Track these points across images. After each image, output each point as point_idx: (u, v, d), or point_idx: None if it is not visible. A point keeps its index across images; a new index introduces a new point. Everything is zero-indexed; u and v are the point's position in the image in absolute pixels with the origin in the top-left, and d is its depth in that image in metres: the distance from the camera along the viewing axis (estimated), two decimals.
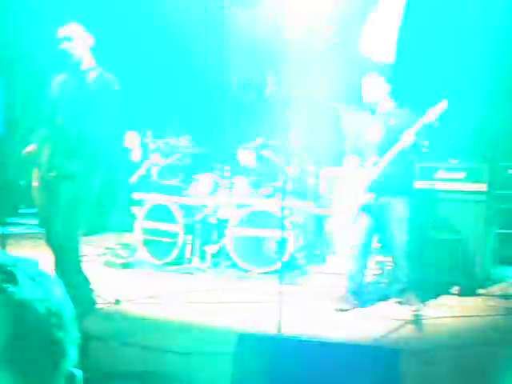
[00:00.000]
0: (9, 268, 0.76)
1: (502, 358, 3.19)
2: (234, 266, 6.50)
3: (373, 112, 5.10)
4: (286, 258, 6.28)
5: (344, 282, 5.18)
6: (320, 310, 4.87)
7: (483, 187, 6.14)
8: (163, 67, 9.77)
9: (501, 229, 7.73)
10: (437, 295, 5.69)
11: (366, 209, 4.92)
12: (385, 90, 4.98)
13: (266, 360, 2.60)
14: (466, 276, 6.12)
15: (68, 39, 3.87)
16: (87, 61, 4.01)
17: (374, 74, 5.02)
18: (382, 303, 5.27)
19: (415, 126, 4.70)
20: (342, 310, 4.92)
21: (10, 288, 0.74)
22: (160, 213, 6.68)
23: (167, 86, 9.60)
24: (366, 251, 5.05)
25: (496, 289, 6.19)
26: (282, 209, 6.48)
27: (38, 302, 0.75)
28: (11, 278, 0.75)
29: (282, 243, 6.25)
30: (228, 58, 10.63)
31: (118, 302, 4.72)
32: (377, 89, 4.97)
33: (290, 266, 6.27)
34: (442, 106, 4.67)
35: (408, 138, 4.68)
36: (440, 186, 6.34)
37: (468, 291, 5.96)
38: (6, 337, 0.72)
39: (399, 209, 4.93)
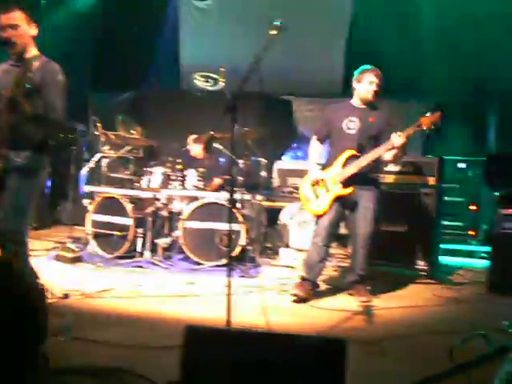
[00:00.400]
0: None
1: (448, 347, 3.29)
2: (185, 259, 6.49)
3: (354, 106, 5.10)
4: (237, 250, 6.31)
5: (301, 271, 5.19)
6: (271, 302, 4.89)
7: (432, 180, 6.27)
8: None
9: (448, 221, 7.95)
10: (386, 286, 5.79)
11: (335, 200, 4.94)
12: (377, 87, 4.98)
13: (216, 352, 2.60)
14: (414, 267, 6.26)
15: (12, 27, 3.77)
16: (31, 49, 3.91)
17: (373, 71, 4.99)
18: (334, 294, 5.32)
19: (408, 131, 4.73)
20: (297, 297, 4.93)
21: None
22: (111, 206, 6.61)
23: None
24: (328, 242, 5.04)
25: (443, 279, 6.34)
26: (234, 201, 6.52)
27: None
28: None
29: (233, 236, 6.28)
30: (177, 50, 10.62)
31: (66, 296, 4.66)
32: (372, 85, 4.96)
33: (241, 259, 6.29)
34: (436, 117, 4.72)
35: (398, 141, 4.70)
36: (390, 178, 6.47)
37: (416, 281, 6.10)
38: None
39: (366, 200, 4.97)
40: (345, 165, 4.94)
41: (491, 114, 9.37)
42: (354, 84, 5.09)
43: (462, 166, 8.33)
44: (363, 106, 5.08)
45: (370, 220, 4.98)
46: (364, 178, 4.95)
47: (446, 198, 7.66)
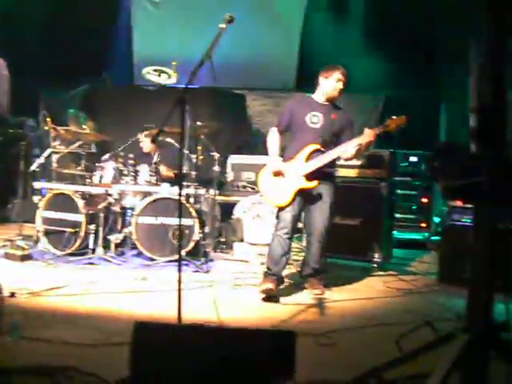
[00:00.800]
0: None
1: (399, 337, 3.33)
2: (138, 254, 6.43)
3: (317, 102, 5.08)
4: (191, 245, 6.28)
5: (264, 265, 5.14)
6: (224, 296, 4.88)
7: (383, 173, 6.35)
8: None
9: (401, 213, 8.07)
10: (340, 279, 5.85)
11: (297, 193, 4.90)
12: (343, 86, 5.01)
13: (165, 348, 2.59)
14: (367, 259, 6.33)
15: None
16: None
17: (341, 69, 5.01)
18: (287, 287, 5.34)
19: (376, 130, 4.86)
20: (267, 293, 4.84)
21: None
22: (62, 202, 6.50)
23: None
24: (292, 235, 4.99)
25: (396, 271, 6.43)
26: (187, 196, 6.49)
27: None
28: None
29: (186, 231, 6.25)
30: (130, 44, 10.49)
31: (13, 295, 4.55)
32: (339, 83, 4.99)
33: (195, 254, 6.27)
34: (403, 120, 4.87)
35: (365, 140, 4.82)
36: (343, 172, 6.52)
37: (369, 274, 6.18)
38: None
39: (324, 195, 4.98)
40: (308, 159, 4.91)
41: (443, 108, 9.55)
42: (321, 80, 5.06)
43: (413, 159, 8.44)
44: (326, 103, 5.07)
45: (327, 214, 5.00)
46: (322, 173, 4.93)
47: (399, 191, 7.78)
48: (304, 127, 4.99)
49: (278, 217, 5.03)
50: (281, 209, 4.98)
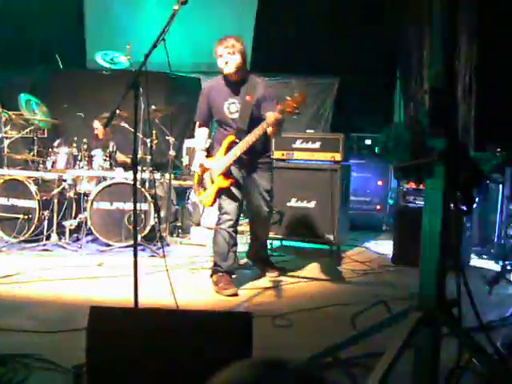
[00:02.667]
0: None
1: (354, 316, 3.39)
2: (94, 240, 6.37)
3: (229, 84, 4.74)
4: (147, 230, 6.25)
5: (219, 263, 4.78)
6: (181, 281, 4.88)
7: (338, 156, 6.41)
8: None
9: (356, 196, 8.16)
10: (295, 261, 5.91)
11: (217, 194, 4.72)
12: (228, 58, 4.58)
13: (122, 332, 2.57)
14: (322, 241, 6.40)
15: None
16: None
17: (221, 42, 4.60)
18: (243, 271, 5.36)
19: (277, 112, 4.29)
20: (232, 295, 4.55)
21: None
22: (14, 188, 6.39)
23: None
24: (236, 225, 4.79)
25: (350, 253, 6.53)
26: (143, 181, 6.44)
27: None
28: None
29: (142, 216, 6.22)
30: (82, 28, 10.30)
31: None
32: (222, 58, 4.60)
33: (151, 239, 6.24)
34: (302, 97, 4.23)
35: (271, 121, 4.34)
36: (298, 155, 6.56)
37: (325, 255, 6.25)
38: None
39: (262, 184, 4.86)
40: (226, 153, 4.66)
41: (398, 91, 9.66)
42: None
43: (368, 142, 8.53)
44: (238, 81, 4.70)
45: (267, 202, 4.93)
46: (255, 162, 4.81)
47: (354, 174, 7.86)
48: (224, 118, 4.75)
49: (220, 208, 4.76)
50: (223, 199, 4.72)
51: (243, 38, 4.84)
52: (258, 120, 4.56)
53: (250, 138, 4.51)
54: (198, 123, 4.95)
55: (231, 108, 4.70)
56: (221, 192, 4.69)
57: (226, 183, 4.63)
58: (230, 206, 4.69)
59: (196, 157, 4.92)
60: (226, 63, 4.57)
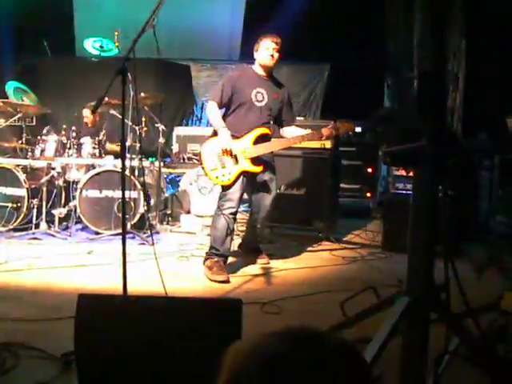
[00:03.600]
0: None
1: (343, 302, 3.39)
2: (83, 228, 6.35)
3: (258, 75, 4.95)
4: (136, 218, 6.24)
5: (217, 247, 4.79)
6: (171, 268, 4.88)
7: (328, 143, 6.39)
8: None
9: (346, 184, 8.16)
10: (285, 248, 5.91)
11: (238, 175, 4.76)
12: (273, 52, 4.85)
13: (110, 320, 2.56)
14: (312, 229, 6.40)
15: None
16: None
17: (270, 37, 4.87)
18: (234, 258, 5.35)
19: (325, 132, 4.85)
20: (224, 282, 4.58)
21: None
22: (3, 177, 6.34)
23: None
24: (236, 215, 4.86)
25: (341, 239, 6.53)
26: (132, 169, 6.41)
27: None
28: None
29: (132, 204, 6.20)
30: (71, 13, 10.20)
31: None
32: (268, 51, 4.85)
33: (141, 227, 6.23)
34: (351, 127, 5.02)
35: (326, 135, 4.90)
36: None
37: (315, 243, 6.25)
38: None
39: (269, 173, 4.93)
40: (256, 142, 4.78)
41: (387, 77, 9.64)
42: (255, 55, 4.93)
43: (358, 129, 8.50)
44: (267, 78, 4.96)
45: (273, 191, 4.99)
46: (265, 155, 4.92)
47: (344, 162, 7.85)
48: (249, 105, 4.84)
49: (223, 195, 4.80)
50: (227, 187, 4.76)
51: (234, 23, 4.95)
52: (278, 119, 5.05)
53: (287, 142, 4.98)
54: (214, 102, 4.86)
55: (258, 96, 4.87)
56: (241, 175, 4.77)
57: (255, 168, 4.79)
58: (235, 194, 4.75)
59: (221, 133, 4.73)
60: (272, 56, 4.84)
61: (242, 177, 4.77)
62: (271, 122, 4.98)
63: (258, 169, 4.79)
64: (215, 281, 4.58)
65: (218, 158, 4.76)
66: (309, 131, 4.95)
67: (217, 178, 4.78)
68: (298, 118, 7.09)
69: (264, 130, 4.83)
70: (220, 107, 4.91)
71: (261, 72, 4.95)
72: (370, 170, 8.43)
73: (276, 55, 4.87)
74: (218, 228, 4.80)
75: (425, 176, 2.21)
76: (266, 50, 4.84)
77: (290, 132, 5.04)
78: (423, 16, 2.36)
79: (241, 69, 5.24)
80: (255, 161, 4.78)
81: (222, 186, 4.82)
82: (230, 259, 5.23)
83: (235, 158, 4.75)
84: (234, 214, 4.80)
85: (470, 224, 6.18)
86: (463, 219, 5.77)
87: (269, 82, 4.97)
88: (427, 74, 2.25)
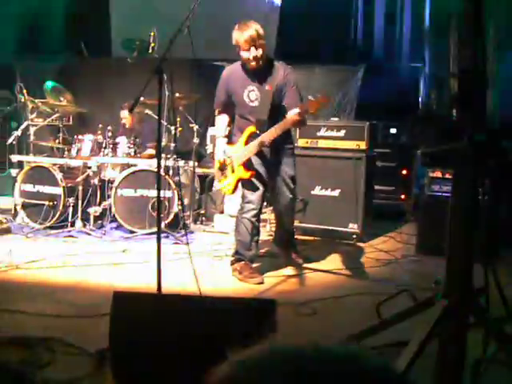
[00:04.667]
0: None
1: (379, 304, 3.35)
2: (118, 227, 6.40)
3: (248, 71, 4.58)
4: (170, 217, 6.26)
5: (237, 252, 4.76)
6: (204, 268, 4.88)
7: (363, 144, 6.35)
8: None
9: (380, 185, 8.08)
10: (319, 250, 5.88)
11: (237, 184, 4.67)
12: (255, 53, 4.42)
13: (145, 317, 2.58)
14: (346, 231, 6.36)
15: None
16: None
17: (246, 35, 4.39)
18: (267, 259, 5.33)
19: (298, 113, 4.21)
20: (259, 284, 4.52)
21: None
22: (40, 175, 6.44)
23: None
24: (259, 217, 4.75)
25: (374, 242, 6.47)
26: (167, 168, 6.45)
27: None
28: None
29: (166, 203, 6.23)
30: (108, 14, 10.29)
31: None
32: (250, 50, 4.42)
33: (175, 226, 6.25)
34: (324, 99, 4.16)
35: (290, 122, 4.33)
36: (322, 143, 6.53)
37: (349, 245, 6.21)
38: None
39: (286, 170, 4.75)
40: (247, 142, 4.58)
41: (423, 79, 9.53)
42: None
43: (393, 131, 8.42)
44: (255, 69, 4.52)
45: (292, 188, 4.82)
46: (278, 150, 4.69)
47: (379, 163, 7.78)
48: (244, 106, 4.64)
49: (243, 198, 4.70)
50: (246, 188, 4.66)
51: (269, 24, 4.78)
52: (280, 107, 4.53)
53: (268, 136, 4.40)
54: (217, 110, 4.87)
55: (251, 96, 4.61)
56: (242, 181, 4.64)
57: (246, 174, 4.56)
58: (253, 195, 4.63)
59: (217, 144, 4.83)
60: (254, 58, 4.43)
61: (260, 175, 4.63)
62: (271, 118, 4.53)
63: (247, 174, 4.56)
64: (250, 283, 4.54)
65: (217, 169, 4.79)
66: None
67: (223, 188, 4.81)
68: (332, 119, 7.06)
69: (251, 129, 4.57)
70: (224, 112, 4.83)
71: (248, 66, 4.56)
72: (404, 171, 8.34)
73: (258, 55, 4.42)
74: (240, 232, 4.72)
75: (465, 177, 2.17)
76: (245, 52, 4.44)
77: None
78: (465, 14, 2.32)
79: (231, 67, 4.81)
80: (246, 166, 4.58)
81: (243, 187, 4.70)
82: (264, 259, 5.24)
83: (232, 166, 4.64)
84: (256, 215, 4.67)
85: (509, 227, 6.06)
86: (503, 222, 5.67)
87: (260, 73, 4.55)
88: (468, 72, 2.21)
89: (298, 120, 4.30)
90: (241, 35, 4.41)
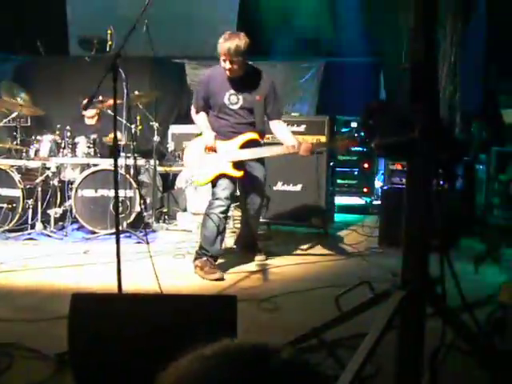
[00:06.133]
0: None
1: (337, 297, 3.37)
2: (80, 228, 6.33)
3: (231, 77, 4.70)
4: (132, 217, 6.21)
5: (206, 248, 4.72)
6: (167, 266, 4.86)
7: (324, 139, 6.38)
8: None
9: (342, 179, 8.15)
10: (282, 245, 5.90)
11: (216, 177, 4.70)
12: (230, 65, 4.56)
13: (104, 318, 2.55)
14: (309, 225, 6.39)
15: None
16: None
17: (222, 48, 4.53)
18: (230, 255, 5.33)
19: (311, 147, 4.70)
20: (218, 280, 4.54)
21: None
22: None
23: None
24: (228, 211, 4.80)
25: (337, 236, 6.52)
26: (128, 167, 6.39)
27: None
28: None
29: (128, 202, 6.17)
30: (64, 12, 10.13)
31: None
32: (225, 63, 4.57)
33: (137, 225, 6.20)
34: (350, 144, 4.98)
35: (304, 151, 4.66)
36: None
37: (312, 239, 6.24)
38: None
39: (256, 171, 4.85)
40: (243, 146, 4.71)
41: (382, 73, 9.60)
42: None
43: (354, 125, 8.49)
44: (240, 76, 4.69)
45: (261, 189, 4.93)
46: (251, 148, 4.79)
47: (340, 157, 7.83)
48: (224, 108, 4.74)
49: (212, 194, 4.75)
50: (215, 185, 4.72)
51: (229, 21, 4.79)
52: (261, 115, 4.79)
53: (271, 152, 4.85)
54: (194, 110, 4.91)
55: (232, 99, 4.73)
56: (219, 177, 4.68)
57: (238, 173, 4.69)
58: (223, 192, 4.67)
59: (204, 133, 4.77)
60: (230, 69, 4.59)
61: (225, 176, 4.68)
62: (255, 124, 4.78)
63: (238, 174, 4.68)
64: (209, 279, 4.55)
65: (199, 157, 4.77)
66: (292, 143, 4.72)
67: (192, 176, 4.89)
68: (292, 114, 7.08)
69: (253, 136, 4.74)
70: (201, 111, 4.87)
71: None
72: (366, 165, 8.42)
73: (236, 65, 4.58)
74: (207, 227, 4.73)
75: (417, 169, 2.19)
76: (223, 63, 4.61)
77: (276, 130, 4.90)
78: (415, 8, 2.34)
79: (212, 70, 4.92)
80: (237, 165, 4.69)
81: (213, 184, 4.75)
82: (227, 256, 5.23)
83: (217, 159, 4.69)
84: (224, 212, 4.71)
85: (467, 218, 6.16)
86: (460, 213, 5.77)
87: (243, 80, 4.72)
88: (419, 65, 2.23)
89: (310, 151, 4.72)
90: (220, 45, 4.55)
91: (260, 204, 4.98)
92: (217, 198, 4.69)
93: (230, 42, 4.49)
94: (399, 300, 2.22)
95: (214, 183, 4.74)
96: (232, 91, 4.72)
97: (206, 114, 4.89)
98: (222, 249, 4.85)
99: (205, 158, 4.73)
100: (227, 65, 4.56)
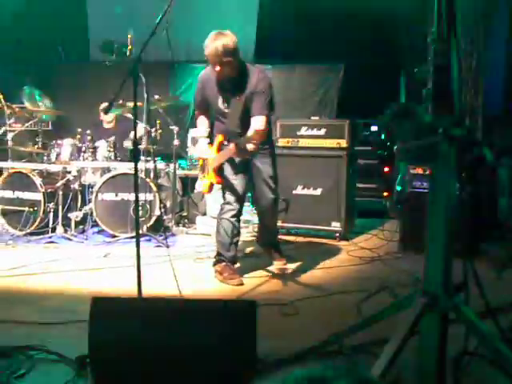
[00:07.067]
0: None
1: (359, 302, 3.35)
2: (100, 232, 6.36)
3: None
4: (152, 221, 6.23)
5: (222, 253, 4.69)
6: (187, 270, 4.86)
7: (343, 143, 6.35)
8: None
9: (362, 183, 8.09)
10: (302, 249, 5.87)
11: (237, 173, 4.62)
12: (220, 68, 4.31)
13: (124, 322, 2.54)
14: (329, 229, 6.36)
15: None
16: None
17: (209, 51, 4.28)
18: (250, 260, 5.32)
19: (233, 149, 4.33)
20: (238, 285, 4.49)
21: None
22: (19, 181, 6.37)
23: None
24: (239, 217, 4.67)
25: (357, 240, 6.48)
26: (147, 171, 6.41)
27: None
28: None
29: (147, 206, 6.18)
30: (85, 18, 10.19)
31: None
32: (216, 67, 4.33)
33: (156, 229, 6.21)
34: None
35: (231, 153, 4.42)
36: (303, 142, 6.53)
37: (332, 243, 6.21)
38: None
39: (265, 171, 4.70)
40: (219, 151, 4.58)
41: (402, 76, 9.54)
42: None
43: (374, 128, 8.45)
44: (231, 77, 4.43)
45: (272, 189, 4.77)
46: (255, 152, 4.59)
47: (360, 161, 7.79)
48: (218, 110, 4.62)
49: (223, 198, 4.68)
50: (225, 189, 4.64)
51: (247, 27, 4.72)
52: (235, 115, 4.53)
53: (223, 157, 4.50)
54: (196, 112, 4.89)
55: (225, 103, 4.59)
56: (222, 183, 4.64)
57: (215, 180, 4.59)
58: (232, 195, 4.61)
59: (197, 144, 4.85)
60: (220, 72, 4.34)
61: (241, 176, 4.61)
62: (240, 128, 4.55)
63: (216, 180, 4.58)
64: (231, 284, 4.53)
65: (200, 167, 4.85)
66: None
67: (200, 186, 4.82)
68: (312, 118, 7.05)
69: (219, 139, 4.60)
70: (202, 114, 4.81)
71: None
72: (386, 169, 8.37)
73: (226, 68, 4.32)
74: (220, 233, 4.68)
75: (440, 173, 2.16)
76: (212, 66, 4.37)
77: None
78: (438, 9, 2.31)
79: (207, 71, 4.64)
80: (217, 172, 4.59)
81: (222, 187, 4.70)
82: (248, 260, 5.22)
83: (207, 168, 4.68)
84: (236, 215, 4.63)
85: (489, 223, 6.09)
86: (482, 218, 5.70)
87: (233, 81, 4.46)
88: (442, 67, 2.20)
89: (233, 152, 4.38)
90: (207, 47, 4.30)
91: (273, 200, 4.79)
92: (227, 203, 4.63)
93: (217, 42, 4.23)
94: (421, 306, 2.19)
95: (223, 187, 4.68)
96: (223, 93, 4.54)
97: (207, 118, 4.83)
98: (237, 253, 4.78)
99: (203, 166, 4.79)
100: (217, 67, 4.30)
